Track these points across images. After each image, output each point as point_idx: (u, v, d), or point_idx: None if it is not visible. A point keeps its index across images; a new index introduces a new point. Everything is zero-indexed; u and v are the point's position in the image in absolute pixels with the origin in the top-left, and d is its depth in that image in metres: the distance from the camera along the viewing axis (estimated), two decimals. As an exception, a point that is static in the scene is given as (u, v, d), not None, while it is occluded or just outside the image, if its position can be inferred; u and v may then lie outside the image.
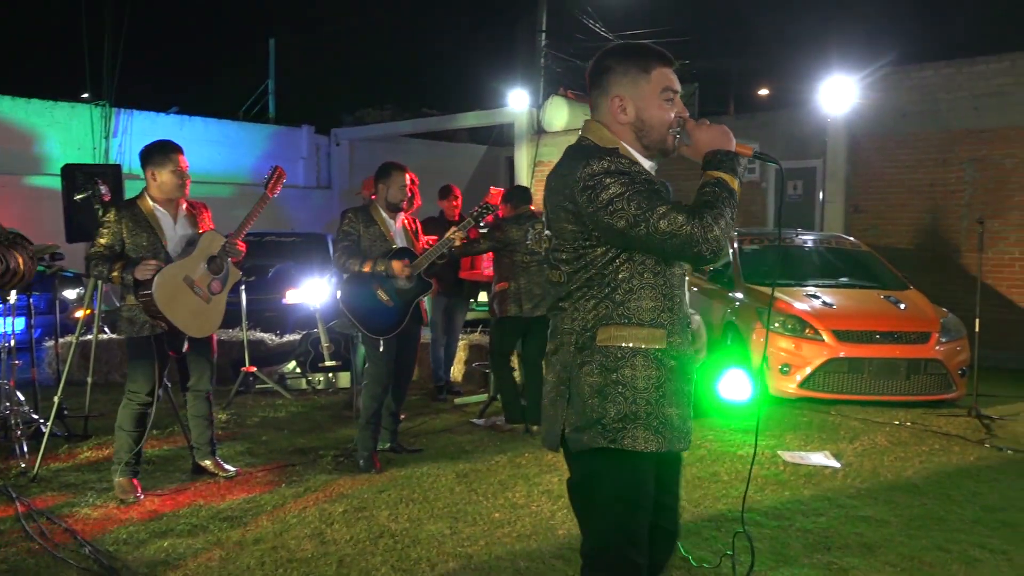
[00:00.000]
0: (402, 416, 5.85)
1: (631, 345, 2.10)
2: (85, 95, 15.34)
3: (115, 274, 4.23)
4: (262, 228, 9.77)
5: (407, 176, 5.07)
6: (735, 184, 2.07)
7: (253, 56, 19.54)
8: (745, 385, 6.61)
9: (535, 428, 5.74)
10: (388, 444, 5.26)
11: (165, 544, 3.71)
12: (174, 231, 4.45)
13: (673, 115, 2.20)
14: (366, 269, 4.86)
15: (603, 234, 2.09)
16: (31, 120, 13.61)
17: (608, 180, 2.05)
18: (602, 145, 2.17)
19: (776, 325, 7.02)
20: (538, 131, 14.69)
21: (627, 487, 2.15)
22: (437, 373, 7.21)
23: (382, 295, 4.91)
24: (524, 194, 6.16)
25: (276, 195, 4.79)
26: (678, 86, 2.22)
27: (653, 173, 2.22)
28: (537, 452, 5.32)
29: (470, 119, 16.47)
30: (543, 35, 16.68)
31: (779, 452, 5.43)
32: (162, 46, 18.27)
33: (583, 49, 17.30)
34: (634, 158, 2.17)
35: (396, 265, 4.88)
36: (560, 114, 14.35)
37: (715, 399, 6.59)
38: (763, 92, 24.21)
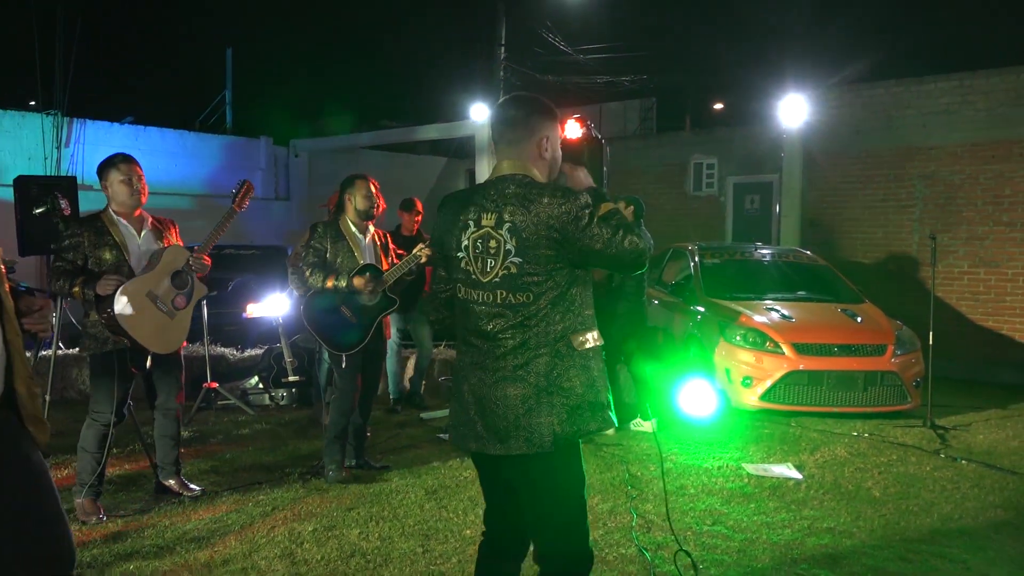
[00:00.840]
0: (367, 432, 5.82)
1: (595, 345, 2.52)
2: (32, 103, 15.00)
3: (76, 289, 4.14)
4: (221, 241, 9.64)
5: (371, 184, 5.05)
6: None
7: (210, 66, 19.29)
8: (709, 398, 6.70)
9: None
10: (354, 461, 5.22)
11: (131, 567, 3.63)
12: (138, 245, 4.38)
13: None
14: (328, 284, 4.83)
15: (578, 256, 2.47)
16: (-22, 129, 13.25)
17: (587, 211, 2.44)
18: (534, 178, 2.54)
19: (738, 338, 7.14)
20: (499, 144, 14.75)
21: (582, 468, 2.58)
22: (398, 386, 7.19)
23: (346, 311, 4.88)
24: None
25: (244, 209, 4.74)
26: None
27: None
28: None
29: (431, 131, 16.46)
30: (502, 49, 16.80)
31: (743, 464, 5.51)
32: (117, 54, 17.96)
33: (542, 63, 17.47)
34: None
35: (357, 281, 4.85)
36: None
37: (679, 412, 6.66)
38: (718, 107, 24.67)
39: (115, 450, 5.46)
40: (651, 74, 17.81)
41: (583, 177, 2.70)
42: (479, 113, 14.98)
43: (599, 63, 17.69)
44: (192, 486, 4.70)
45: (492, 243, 2.48)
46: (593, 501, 4.67)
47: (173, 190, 14.16)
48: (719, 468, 5.44)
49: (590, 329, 2.52)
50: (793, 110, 10.92)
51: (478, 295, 2.51)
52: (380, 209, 5.25)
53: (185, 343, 4.57)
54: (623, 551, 3.99)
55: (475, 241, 2.51)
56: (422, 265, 5.19)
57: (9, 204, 9.09)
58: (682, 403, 6.72)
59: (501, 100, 2.72)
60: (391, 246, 5.33)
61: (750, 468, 5.44)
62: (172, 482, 4.65)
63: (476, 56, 18.14)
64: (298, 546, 3.93)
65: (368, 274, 4.90)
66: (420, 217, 7.33)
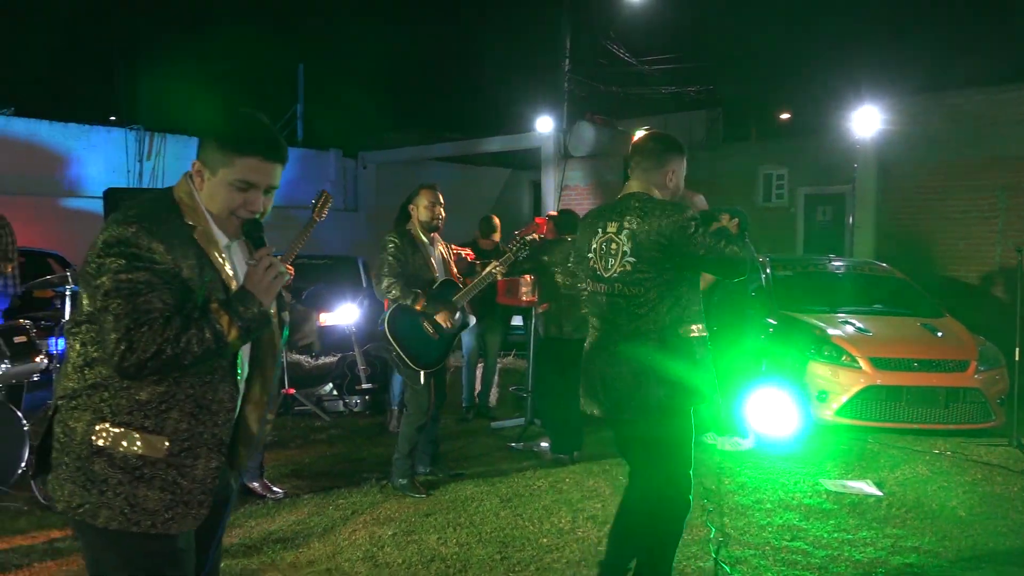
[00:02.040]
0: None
1: (700, 335, 3.07)
2: (112, 118, 15.64)
3: None
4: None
5: (432, 194, 5.07)
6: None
7: (283, 80, 19.81)
8: (786, 414, 6.57)
9: (576, 454, 5.76)
10: (428, 469, 5.28)
11: (222, 565, 3.74)
12: None
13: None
14: (418, 307, 4.84)
15: (684, 259, 3.01)
16: (68, 144, 13.88)
17: (693, 223, 3.00)
18: (656, 197, 3.11)
19: (812, 352, 7.01)
20: (564, 155, 14.80)
21: None
22: (469, 395, 7.26)
23: (428, 327, 4.92)
24: (571, 220, 6.18)
25: (323, 219, 4.85)
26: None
27: None
28: (578, 477, 5.34)
29: (497, 143, 16.61)
30: (567, 61, 16.82)
31: (821, 480, 5.41)
32: (195, 71, 18.64)
33: (607, 74, 17.44)
34: None
35: (442, 317, 4.88)
36: (586, 139, 14.47)
37: (753, 428, 6.56)
38: (785, 116, 24.23)
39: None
40: (717, 84, 17.63)
41: (699, 202, 3.26)
42: (544, 125, 15.07)
43: (664, 73, 17.59)
44: (275, 489, 4.84)
45: (613, 246, 3.11)
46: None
47: (247, 202, 14.57)
48: (796, 483, 5.35)
49: (695, 321, 3.06)
50: (867, 120, 10.71)
51: (601, 287, 3.14)
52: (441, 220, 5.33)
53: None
54: (701, 564, 3.97)
55: (600, 244, 3.15)
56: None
57: (99, 215, 9.47)
58: (757, 420, 6.61)
59: (644, 133, 3.35)
60: (459, 251, 5.41)
61: (828, 484, 5.33)
62: (256, 484, 4.79)
63: (540, 68, 18.22)
64: (379, 549, 4.02)
65: (448, 311, 4.92)
66: (498, 233, 7.41)
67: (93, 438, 1.94)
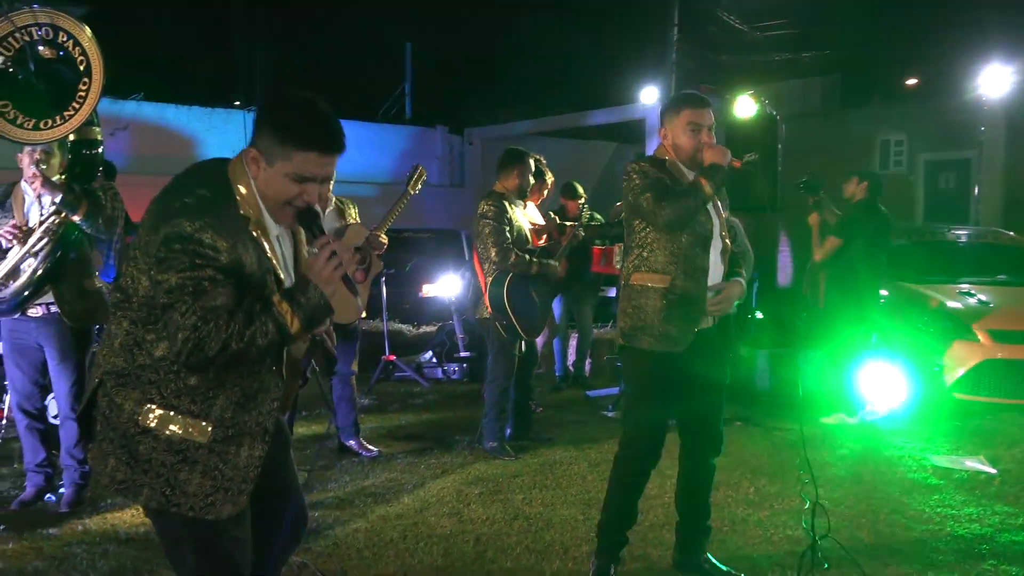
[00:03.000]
0: (539, 409, 5.97)
1: (652, 287, 3.17)
2: (237, 102, 16.40)
3: None
4: (400, 224, 10.18)
5: (523, 165, 5.06)
6: (707, 187, 3.10)
7: (390, 59, 20.23)
8: (896, 388, 6.27)
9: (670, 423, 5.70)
10: (510, 431, 5.31)
11: (316, 515, 3.94)
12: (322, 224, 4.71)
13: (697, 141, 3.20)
14: (534, 271, 4.90)
15: (638, 208, 3.19)
16: (191, 126, 14.67)
17: (633, 175, 3.21)
18: (658, 156, 3.30)
19: (926, 323, 6.66)
20: (670, 126, 14.50)
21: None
22: (561, 364, 7.29)
23: (535, 295, 4.97)
24: None
25: (417, 192, 4.96)
26: (705, 121, 3.19)
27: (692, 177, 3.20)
28: (668, 445, 5.26)
29: (601, 116, 16.44)
30: (675, 29, 16.42)
31: (929, 456, 5.16)
32: (307, 54, 19.34)
33: (716, 42, 16.91)
34: (679, 167, 3.24)
35: (557, 268, 4.96)
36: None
37: (860, 401, 6.31)
38: (911, 82, 22.88)
39: (303, 413, 5.92)
40: (837, 50, 16.83)
41: (716, 155, 3.15)
42: (649, 96, 14.81)
43: (778, 40, 16.91)
44: (370, 447, 5.03)
45: None
46: (760, 483, 4.57)
47: (358, 179, 15.02)
48: (900, 457, 5.13)
49: (653, 272, 3.17)
50: (996, 80, 9.98)
51: None
52: (547, 189, 5.29)
53: (364, 314, 4.88)
54: (789, 532, 3.89)
55: None
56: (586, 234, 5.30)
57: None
58: (866, 394, 6.34)
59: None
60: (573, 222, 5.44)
61: (937, 460, 5.08)
62: (352, 443, 4.99)
63: (649, 40, 17.87)
64: (465, 506, 4.12)
65: (555, 276, 5.00)
66: (582, 200, 7.36)
67: (140, 418, 1.96)
